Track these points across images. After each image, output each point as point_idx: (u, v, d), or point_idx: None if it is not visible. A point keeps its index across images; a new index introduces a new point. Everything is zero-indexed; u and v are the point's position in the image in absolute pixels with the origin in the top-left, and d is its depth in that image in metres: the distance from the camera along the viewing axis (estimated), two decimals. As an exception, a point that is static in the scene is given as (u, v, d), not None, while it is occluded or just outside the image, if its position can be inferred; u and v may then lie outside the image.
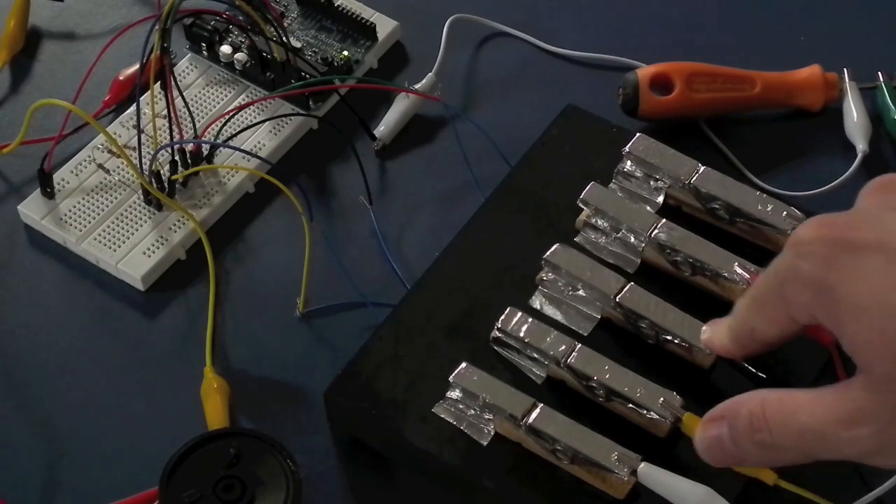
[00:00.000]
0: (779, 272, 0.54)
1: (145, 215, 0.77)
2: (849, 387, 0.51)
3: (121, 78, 0.82)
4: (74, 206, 0.77)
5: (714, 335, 0.62)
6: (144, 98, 0.77)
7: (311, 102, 0.81)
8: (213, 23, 0.82)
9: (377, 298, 0.74)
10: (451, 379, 0.65)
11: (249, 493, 0.63)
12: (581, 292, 0.69)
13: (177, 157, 0.77)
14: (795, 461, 0.54)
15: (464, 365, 0.66)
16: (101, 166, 0.79)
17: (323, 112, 0.82)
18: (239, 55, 0.82)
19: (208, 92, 0.82)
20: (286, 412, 0.71)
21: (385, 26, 0.84)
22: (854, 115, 0.80)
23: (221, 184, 0.78)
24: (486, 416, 0.65)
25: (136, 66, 0.80)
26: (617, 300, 0.67)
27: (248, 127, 0.79)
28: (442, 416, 0.66)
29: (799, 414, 0.52)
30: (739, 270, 0.68)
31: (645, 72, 0.80)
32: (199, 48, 0.83)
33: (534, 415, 0.64)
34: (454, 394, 0.66)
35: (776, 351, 0.59)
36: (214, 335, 0.74)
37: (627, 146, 0.72)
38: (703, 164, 0.71)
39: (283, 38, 0.79)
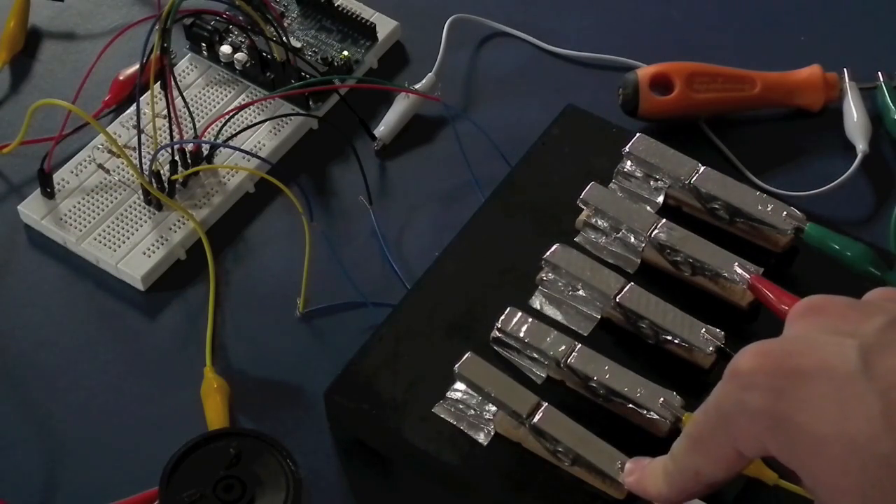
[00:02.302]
0: (721, 406, 0.51)
1: (145, 215, 0.77)
2: None
3: (121, 78, 0.82)
4: (74, 206, 0.77)
5: (646, 480, 0.58)
6: (144, 98, 0.77)
7: (311, 102, 0.81)
8: (213, 23, 0.82)
9: (377, 298, 0.74)
10: (455, 368, 0.65)
11: (249, 493, 0.63)
12: (581, 292, 0.69)
13: (177, 157, 0.77)
14: None
15: (469, 354, 0.65)
16: (101, 166, 0.79)
17: (323, 112, 0.82)
18: (239, 55, 0.82)
19: (208, 92, 0.82)
20: (286, 412, 0.71)
21: (385, 26, 0.84)
22: (854, 115, 0.80)
23: (221, 184, 0.78)
24: (486, 416, 0.65)
25: (136, 66, 0.80)
26: (617, 300, 0.67)
27: (248, 127, 0.79)
28: (442, 416, 0.66)
29: None
30: (739, 270, 0.68)
31: (645, 72, 0.80)
32: (199, 48, 0.83)
33: (538, 415, 0.64)
34: (454, 394, 0.66)
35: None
36: (214, 335, 0.74)
37: (627, 146, 0.72)
38: (703, 164, 0.71)
39: (283, 38, 0.79)
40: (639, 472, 0.59)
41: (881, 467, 0.46)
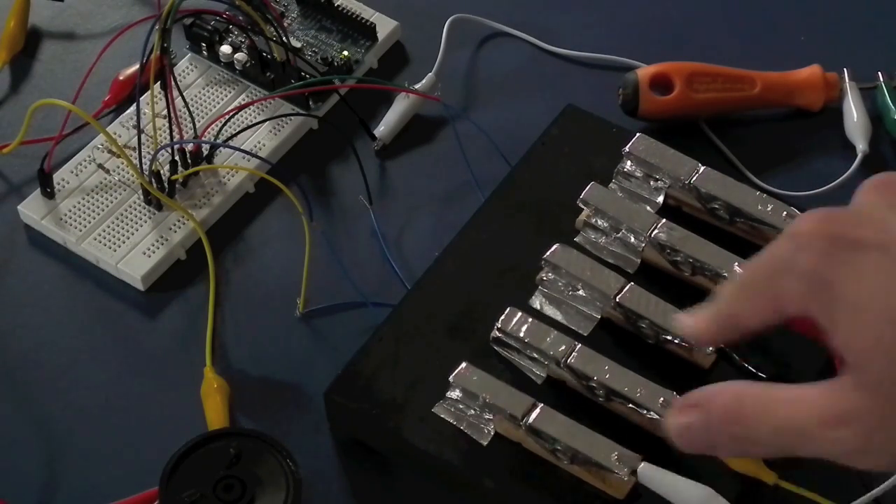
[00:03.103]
0: (773, 261, 0.53)
1: (145, 215, 0.77)
2: (836, 386, 0.50)
3: (121, 78, 0.82)
4: (74, 206, 0.77)
5: (693, 319, 0.59)
6: (144, 98, 0.77)
7: (311, 102, 0.81)
8: (213, 23, 0.82)
9: (377, 298, 0.74)
10: (451, 379, 0.65)
11: (249, 493, 0.63)
12: (581, 292, 0.69)
13: (177, 157, 0.77)
14: (770, 456, 0.53)
15: (464, 365, 0.66)
16: (101, 166, 0.79)
17: (323, 112, 0.82)
18: (239, 55, 0.82)
19: (208, 92, 0.82)
20: (286, 412, 0.71)
21: (385, 26, 0.84)
22: (854, 115, 0.80)
23: (221, 184, 0.78)
24: (486, 416, 0.65)
25: (136, 66, 0.80)
26: (617, 300, 0.67)
27: (248, 127, 0.79)
28: (442, 416, 0.66)
29: (778, 410, 0.51)
30: (739, 270, 0.67)
31: (645, 72, 0.80)
32: (199, 48, 0.83)
33: (534, 415, 0.64)
34: (454, 394, 0.66)
35: (775, 351, 0.58)
36: (214, 335, 0.74)
37: (627, 146, 0.72)
38: (703, 164, 0.71)
39: (283, 38, 0.79)
40: (686, 317, 0.59)
41: None
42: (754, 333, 0.55)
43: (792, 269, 0.51)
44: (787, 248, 0.52)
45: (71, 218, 0.77)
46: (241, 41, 0.83)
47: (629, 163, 0.73)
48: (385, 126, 0.81)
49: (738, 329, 0.56)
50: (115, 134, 0.79)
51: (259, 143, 0.80)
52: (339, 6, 0.84)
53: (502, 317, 0.67)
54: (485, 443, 0.65)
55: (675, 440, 0.55)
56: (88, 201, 0.77)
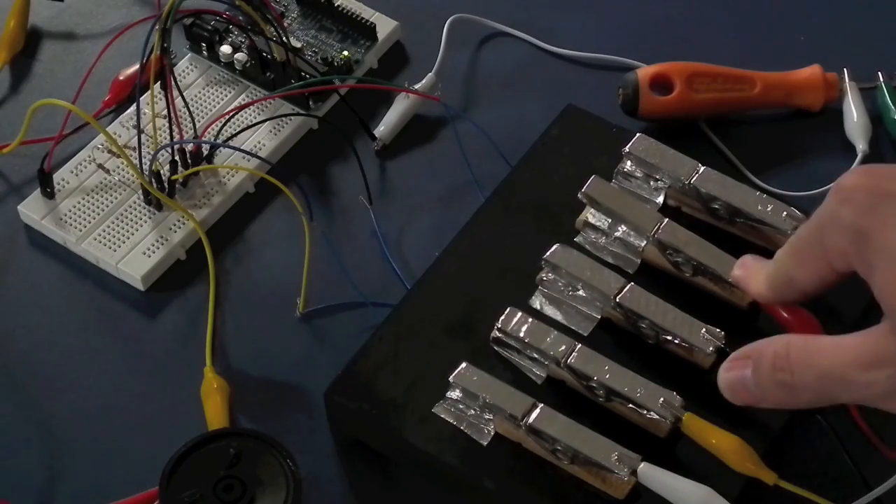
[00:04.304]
0: (820, 219, 0.55)
1: (145, 215, 0.77)
2: (872, 331, 0.52)
3: (121, 78, 0.82)
4: (74, 206, 0.77)
5: (750, 279, 0.62)
6: (144, 98, 0.77)
7: (311, 102, 0.81)
8: (213, 23, 0.82)
9: (377, 298, 0.74)
10: (451, 379, 0.65)
11: (249, 493, 0.63)
12: (581, 292, 0.69)
13: (177, 157, 0.77)
14: (813, 403, 0.56)
15: (464, 365, 0.66)
16: (101, 166, 0.79)
17: (323, 112, 0.82)
18: (239, 55, 0.82)
19: (208, 92, 0.82)
20: (286, 412, 0.71)
21: (385, 26, 0.84)
22: (854, 115, 0.80)
23: (221, 184, 0.78)
24: (486, 416, 0.65)
25: (136, 66, 0.80)
26: (617, 300, 0.67)
27: (248, 127, 0.79)
28: (442, 416, 0.66)
29: (821, 356, 0.54)
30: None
31: (645, 72, 0.80)
32: (199, 48, 0.83)
33: (534, 415, 0.64)
34: (454, 394, 0.66)
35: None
36: (214, 335, 0.74)
37: (627, 146, 0.72)
38: (703, 164, 0.71)
39: (283, 38, 0.79)
40: (745, 270, 0.63)
41: None
42: (814, 295, 0.58)
43: (835, 224, 0.54)
44: (832, 204, 0.54)
45: (71, 218, 0.77)
46: (241, 41, 0.83)
47: (629, 163, 0.73)
48: (385, 126, 0.81)
49: (795, 290, 0.59)
50: (115, 134, 0.79)
51: (259, 143, 0.80)
52: (339, 6, 0.84)
53: (502, 317, 0.67)
54: (485, 443, 0.65)
55: (725, 393, 0.58)
56: (88, 201, 0.77)
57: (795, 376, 0.55)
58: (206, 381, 0.71)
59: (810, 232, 0.56)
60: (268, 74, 0.81)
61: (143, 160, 0.75)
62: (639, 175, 0.72)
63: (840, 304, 0.66)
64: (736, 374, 0.58)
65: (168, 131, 0.78)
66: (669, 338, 0.67)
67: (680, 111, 0.80)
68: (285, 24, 0.83)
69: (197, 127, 0.78)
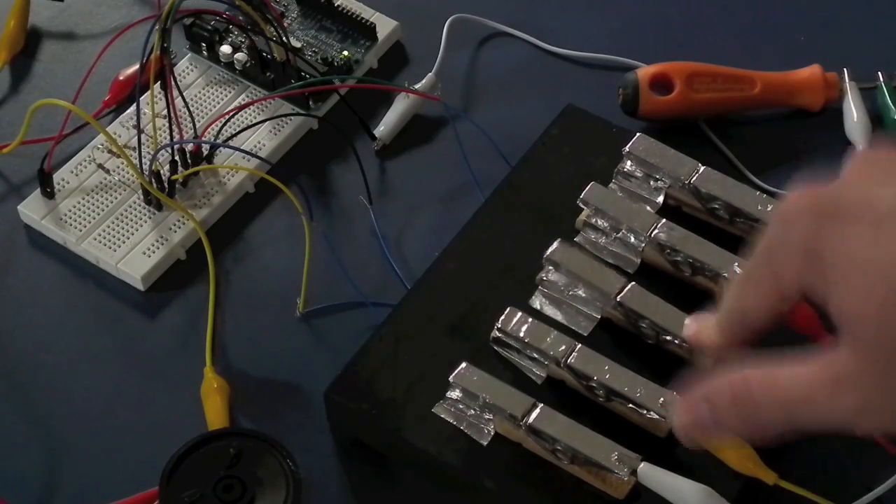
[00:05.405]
0: (767, 244, 0.54)
1: (145, 215, 0.77)
2: (834, 352, 0.51)
3: (121, 78, 0.82)
4: (74, 206, 0.77)
5: (701, 332, 0.60)
6: (144, 98, 0.77)
7: (311, 102, 0.81)
8: (213, 23, 0.82)
9: (377, 298, 0.74)
10: (451, 379, 0.65)
11: (249, 493, 0.63)
12: (581, 292, 0.69)
13: (177, 157, 0.77)
14: (779, 433, 0.54)
15: (464, 365, 0.66)
16: (101, 166, 0.79)
17: (323, 112, 0.82)
18: (239, 55, 0.82)
19: (208, 92, 0.82)
20: (286, 412, 0.71)
21: (385, 26, 0.84)
22: (854, 115, 0.80)
23: (221, 184, 0.78)
24: (486, 416, 0.65)
25: (136, 66, 0.80)
26: (617, 300, 0.67)
27: (248, 127, 0.79)
28: (442, 416, 0.66)
29: (785, 384, 0.52)
30: (739, 270, 0.67)
31: (645, 72, 0.80)
32: (199, 48, 0.83)
33: (534, 415, 0.64)
34: (454, 394, 0.66)
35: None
36: (214, 335, 0.74)
37: (627, 146, 0.72)
38: (703, 164, 0.71)
39: (283, 38, 0.79)
40: (696, 324, 0.60)
41: None
42: (765, 328, 0.56)
43: (784, 247, 0.52)
44: (778, 226, 0.53)
45: (71, 218, 0.77)
46: (241, 41, 0.83)
47: (629, 163, 0.73)
48: (385, 126, 0.81)
49: (748, 327, 0.56)
50: (115, 134, 0.79)
51: (259, 143, 0.80)
52: (339, 6, 0.84)
53: (502, 317, 0.67)
54: (485, 443, 0.65)
55: (685, 438, 0.55)
56: (88, 201, 0.77)
57: (760, 408, 0.53)
58: (206, 381, 0.71)
59: (758, 260, 0.54)
60: (268, 74, 0.81)
61: (143, 160, 0.75)
62: (639, 175, 0.72)
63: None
64: (692, 417, 0.55)
65: (168, 131, 0.78)
66: (669, 338, 0.67)
67: (680, 111, 0.80)
68: (285, 24, 0.83)
69: (197, 127, 0.78)
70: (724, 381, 0.54)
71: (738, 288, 0.56)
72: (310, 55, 0.82)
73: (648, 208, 0.72)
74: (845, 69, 0.81)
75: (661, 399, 0.64)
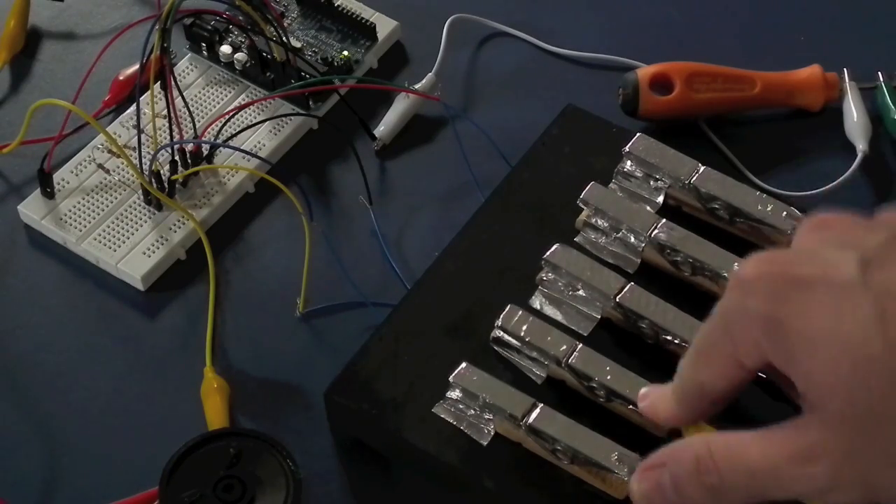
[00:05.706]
0: (723, 314, 0.52)
1: (145, 215, 0.77)
2: (802, 424, 0.50)
3: (121, 78, 0.82)
4: (74, 206, 0.77)
5: (657, 404, 0.59)
6: (144, 98, 0.77)
7: (311, 102, 0.81)
8: (213, 23, 0.82)
9: (377, 298, 0.74)
10: (451, 379, 0.65)
11: (249, 493, 0.63)
12: (581, 292, 0.69)
13: (177, 157, 0.77)
14: None
15: (464, 365, 0.66)
16: (101, 166, 0.79)
17: (323, 112, 0.82)
18: (239, 55, 0.82)
19: (208, 92, 0.82)
20: (286, 412, 0.71)
21: (385, 26, 0.84)
22: (854, 115, 0.80)
23: (221, 184, 0.78)
24: (486, 416, 0.65)
25: (136, 66, 0.80)
26: (617, 300, 0.67)
27: (248, 127, 0.79)
28: (442, 416, 0.66)
29: (749, 453, 0.51)
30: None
31: (645, 72, 0.80)
32: (199, 48, 0.83)
33: (534, 415, 0.64)
34: (454, 394, 0.66)
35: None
36: (214, 335, 0.74)
37: (627, 146, 0.72)
38: (703, 164, 0.71)
39: (283, 38, 0.79)
40: (651, 396, 0.59)
41: (869, 365, 0.48)
42: (724, 400, 0.55)
43: (743, 317, 0.51)
44: (735, 297, 0.51)
45: (71, 218, 0.77)
46: (241, 41, 0.83)
47: (629, 163, 0.73)
48: (385, 126, 0.81)
49: (706, 399, 0.55)
50: (115, 134, 0.79)
51: (259, 143, 0.80)
52: (339, 6, 0.84)
53: (503, 314, 0.67)
54: (485, 443, 0.65)
55: None
56: (88, 201, 0.77)
57: (724, 478, 0.51)
58: (206, 381, 0.71)
59: (715, 330, 0.53)
60: (268, 74, 0.81)
61: (143, 160, 0.75)
62: (639, 175, 0.72)
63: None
64: (651, 485, 0.54)
65: (168, 131, 0.78)
66: (669, 338, 0.67)
67: (680, 111, 0.80)
68: (285, 24, 0.83)
69: (197, 127, 0.78)
70: (686, 447, 0.53)
71: (694, 358, 0.55)
72: (310, 55, 0.82)
73: (648, 208, 0.72)
74: (845, 69, 0.81)
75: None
